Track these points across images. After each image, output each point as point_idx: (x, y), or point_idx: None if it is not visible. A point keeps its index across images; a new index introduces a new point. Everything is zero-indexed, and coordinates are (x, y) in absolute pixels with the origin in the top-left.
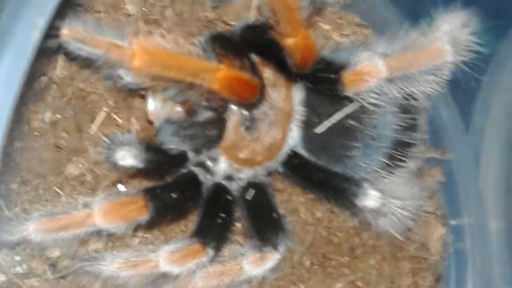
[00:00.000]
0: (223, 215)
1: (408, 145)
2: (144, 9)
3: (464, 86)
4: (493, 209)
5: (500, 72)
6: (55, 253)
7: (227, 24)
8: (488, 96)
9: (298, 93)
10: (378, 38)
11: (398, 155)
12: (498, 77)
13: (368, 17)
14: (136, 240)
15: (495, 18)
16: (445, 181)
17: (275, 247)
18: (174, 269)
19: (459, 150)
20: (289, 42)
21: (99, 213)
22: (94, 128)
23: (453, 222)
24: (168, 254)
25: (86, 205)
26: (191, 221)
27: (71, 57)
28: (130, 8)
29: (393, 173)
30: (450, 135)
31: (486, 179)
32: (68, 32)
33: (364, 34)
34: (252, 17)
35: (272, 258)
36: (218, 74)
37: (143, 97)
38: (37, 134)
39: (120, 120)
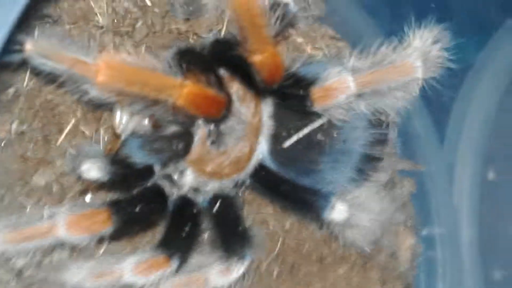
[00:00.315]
0: (188, 227)
1: (377, 159)
2: (115, 21)
3: (437, 100)
4: (466, 219)
5: (475, 85)
6: (19, 262)
7: (199, 36)
8: (463, 108)
9: (267, 107)
10: (349, 53)
11: (367, 168)
12: (473, 90)
13: (342, 29)
14: (102, 250)
15: (470, 32)
16: (416, 191)
17: (240, 258)
18: (139, 280)
19: (432, 160)
20: (256, 59)
21: (63, 224)
22: (61, 139)
23: (424, 232)
24: (133, 266)
25: (50, 216)
26: (159, 231)
27: (36, 72)
28: (101, 20)
29: (362, 186)
30: (423, 146)
31: (460, 189)
32: (31, 47)
33: (338, 47)
34: (224, 30)
35: (238, 269)
36: (183, 90)
37: (111, 109)
38: (3, 145)
39: (87, 132)
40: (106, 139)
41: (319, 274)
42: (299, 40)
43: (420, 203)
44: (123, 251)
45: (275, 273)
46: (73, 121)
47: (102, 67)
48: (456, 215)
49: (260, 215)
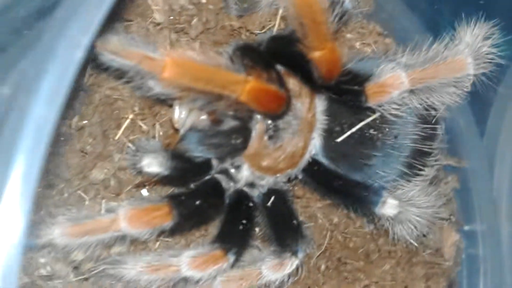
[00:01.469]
0: (244, 221)
1: (426, 154)
2: (171, 17)
3: (482, 96)
4: (506, 214)
5: None
6: (78, 256)
7: (251, 33)
8: (503, 105)
9: (321, 103)
10: (401, 49)
11: (416, 164)
12: None
13: (388, 26)
14: (157, 244)
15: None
16: (460, 188)
17: (294, 253)
18: (196, 274)
19: (474, 158)
20: (315, 55)
21: (125, 218)
22: (119, 134)
23: (466, 228)
24: (190, 259)
25: (110, 211)
26: (212, 226)
27: (103, 68)
28: (158, 17)
29: (411, 181)
30: (466, 143)
31: (500, 186)
32: (101, 44)
33: (385, 43)
34: (276, 27)
35: (291, 264)
36: (246, 86)
37: (169, 105)
38: (64, 139)
39: (145, 126)
40: (161, 133)
41: (366, 270)
42: (349, 36)
43: (463, 199)
44: (177, 245)
45: (322, 268)
46: (131, 116)
47: (168, 63)
48: (497, 211)
49: (309, 209)
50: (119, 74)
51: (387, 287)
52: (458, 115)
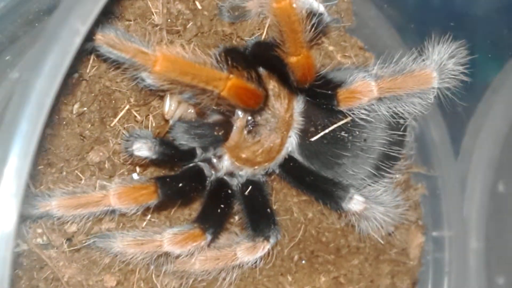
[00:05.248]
0: (222, 206)
1: (394, 158)
2: (169, 20)
3: (455, 113)
4: (475, 227)
5: (492, 103)
6: (72, 228)
7: (241, 39)
8: (479, 123)
9: (298, 105)
10: (374, 62)
11: (384, 166)
12: (489, 107)
13: (369, 41)
14: (144, 223)
15: (491, 53)
16: (429, 195)
17: (266, 238)
18: (175, 250)
19: (446, 169)
20: (291, 60)
21: (114, 195)
22: (115, 121)
23: (434, 233)
24: (171, 236)
25: (103, 188)
26: (195, 211)
27: (102, 59)
28: (157, 19)
29: (378, 182)
30: (438, 154)
31: (471, 198)
32: (101, 37)
33: (365, 57)
34: (264, 35)
35: (263, 247)
36: (228, 82)
37: (161, 98)
38: (65, 123)
39: (139, 117)
40: (153, 124)
41: (335, 263)
42: (331, 48)
43: (431, 206)
44: (163, 225)
45: (295, 258)
46: (127, 106)
47: (159, 58)
48: (465, 222)
49: (286, 203)
50: (116, 65)
51: (354, 280)
52: (433, 129)
